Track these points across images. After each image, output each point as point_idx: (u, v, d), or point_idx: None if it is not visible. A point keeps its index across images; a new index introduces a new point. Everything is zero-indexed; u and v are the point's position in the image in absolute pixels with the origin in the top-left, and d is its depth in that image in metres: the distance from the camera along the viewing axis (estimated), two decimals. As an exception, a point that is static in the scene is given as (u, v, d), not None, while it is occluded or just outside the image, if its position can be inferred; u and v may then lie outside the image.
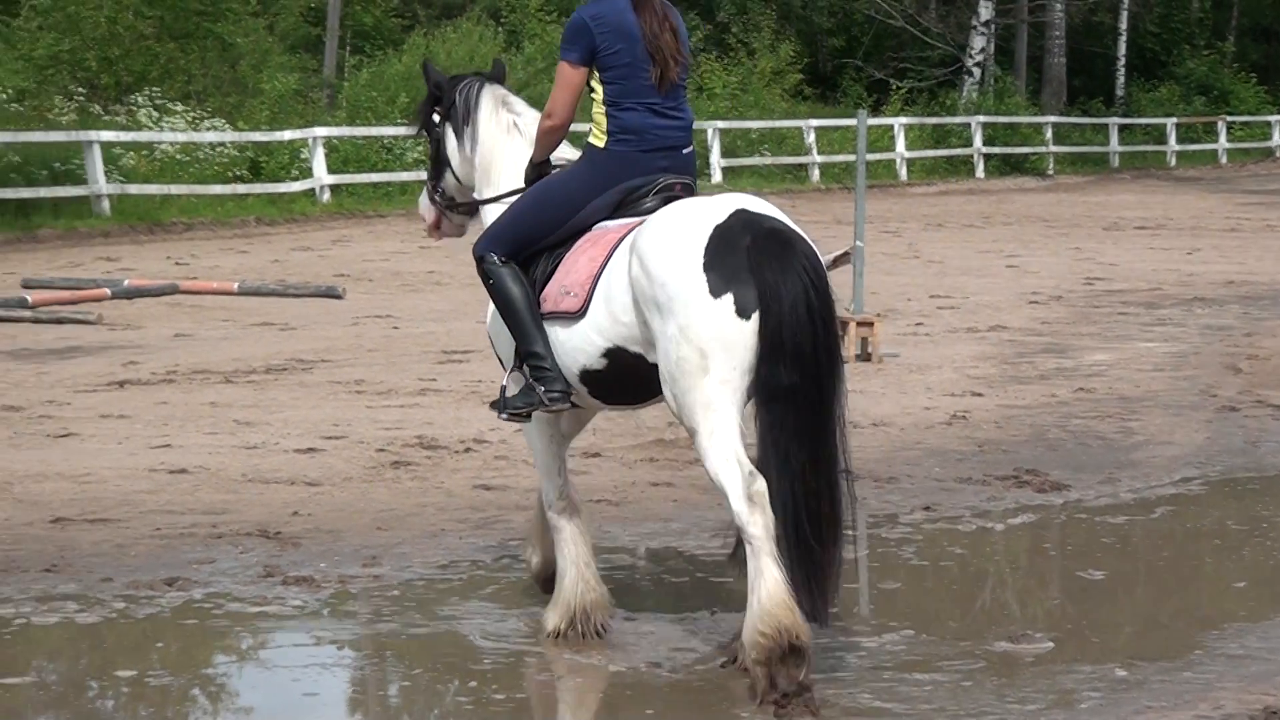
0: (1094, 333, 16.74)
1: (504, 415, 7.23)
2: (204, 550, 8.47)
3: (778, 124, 41.15)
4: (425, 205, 8.01)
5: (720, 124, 38.92)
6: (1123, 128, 48.95)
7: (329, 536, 8.75)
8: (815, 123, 41.27)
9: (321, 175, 32.71)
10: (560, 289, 6.99)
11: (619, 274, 6.77)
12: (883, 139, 42.19)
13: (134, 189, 28.10)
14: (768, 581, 6.29)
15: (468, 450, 10.90)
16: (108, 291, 18.74)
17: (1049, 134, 46.09)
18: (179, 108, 31.69)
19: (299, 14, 44.49)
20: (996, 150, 44.57)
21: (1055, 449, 11.26)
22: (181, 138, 30.07)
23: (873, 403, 12.74)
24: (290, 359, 14.71)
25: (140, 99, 31.66)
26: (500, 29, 41.98)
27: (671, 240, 6.58)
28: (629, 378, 6.83)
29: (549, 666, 6.77)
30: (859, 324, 14.71)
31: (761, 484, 6.36)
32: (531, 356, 7.03)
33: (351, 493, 9.71)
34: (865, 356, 14.65)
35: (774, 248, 6.47)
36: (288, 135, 32.65)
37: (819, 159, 40.32)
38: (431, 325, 17.39)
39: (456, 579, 8.07)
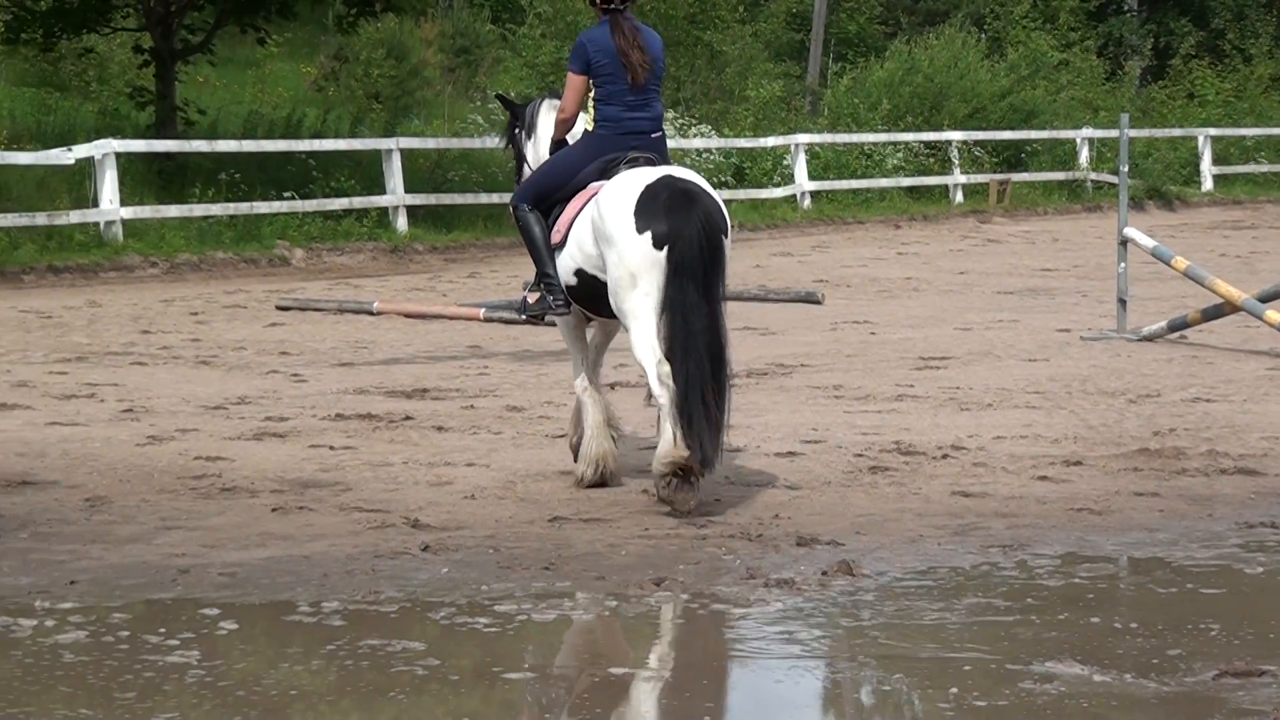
0: None
1: (524, 316, 10.35)
2: (689, 551, 8.68)
3: (1276, 131, 39.72)
4: None
5: (1212, 131, 37.78)
6: None
7: (809, 540, 8.86)
8: (1318, 130, 39.75)
9: (803, 181, 33.01)
10: (556, 228, 9.89)
11: (585, 218, 9.66)
12: (1395, 145, 40.31)
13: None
14: (667, 434, 9.17)
15: (945, 456, 10.90)
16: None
17: None
18: (668, 114, 32.42)
19: (784, 20, 44.92)
20: None
21: None
22: (671, 144, 30.68)
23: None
24: (771, 363, 14.94)
25: (629, 105, 32.47)
26: (983, 36, 41.60)
27: (617, 194, 9.44)
28: (592, 292, 9.69)
29: (1030, 674, 6.72)
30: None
31: (667, 368, 9.17)
32: (545, 277, 9.96)
33: (830, 497, 9.82)
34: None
35: (682, 202, 9.29)
36: (770, 142, 33.06)
37: (1320, 167, 38.80)
38: (909, 331, 17.41)
39: (934, 585, 8.08)
